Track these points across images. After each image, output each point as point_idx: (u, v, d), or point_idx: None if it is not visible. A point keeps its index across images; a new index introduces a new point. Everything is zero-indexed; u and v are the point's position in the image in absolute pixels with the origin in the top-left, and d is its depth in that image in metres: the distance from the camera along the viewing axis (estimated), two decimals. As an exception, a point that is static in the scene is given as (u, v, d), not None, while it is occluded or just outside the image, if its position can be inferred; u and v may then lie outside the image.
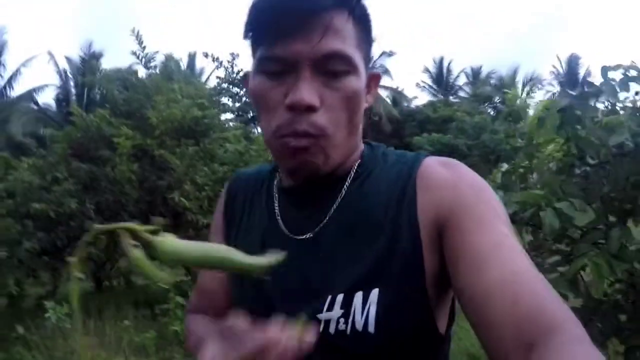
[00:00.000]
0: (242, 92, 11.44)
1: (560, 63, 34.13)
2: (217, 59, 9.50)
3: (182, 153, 6.98)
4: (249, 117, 12.73)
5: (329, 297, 0.78)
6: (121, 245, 0.55)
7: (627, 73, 2.38)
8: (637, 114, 2.40)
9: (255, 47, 0.82)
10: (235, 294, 0.95)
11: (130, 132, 7.13)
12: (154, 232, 0.58)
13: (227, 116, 10.78)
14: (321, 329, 0.78)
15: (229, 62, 9.86)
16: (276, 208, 0.92)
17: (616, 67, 2.36)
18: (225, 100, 11.15)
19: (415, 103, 33.26)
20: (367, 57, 0.84)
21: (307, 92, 0.75)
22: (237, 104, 12.74)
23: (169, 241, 0.56)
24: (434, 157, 0.85)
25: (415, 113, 29.71)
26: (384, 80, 32.44)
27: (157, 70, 8.49)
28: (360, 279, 0.77)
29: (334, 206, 0.85)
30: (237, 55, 9.94)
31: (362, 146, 0.92)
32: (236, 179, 1.06)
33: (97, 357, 3.88)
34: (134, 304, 7.12)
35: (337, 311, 0.77)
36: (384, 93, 32.09)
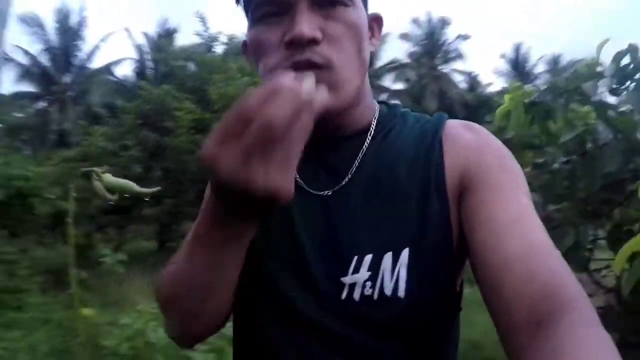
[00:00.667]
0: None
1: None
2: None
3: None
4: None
5: (355, 258, 0.73)
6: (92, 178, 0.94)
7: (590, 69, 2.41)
8: (603, 112, 2.37)
9: (247, 4, 0.77)
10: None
11: (191, 106, 7.74)
12: (104, 173, 1.02)
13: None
14: (344, 296, 0.72)
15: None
16: None
17: (580, 61, 2.43)
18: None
19: (491, 89, 32.57)
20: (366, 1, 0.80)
21: (307, 24, 0.69)
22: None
23: (107, 177, 1.00)
24: (456, 119, 0.83)
25: (489, 99, 29.21)
26: (459, 64, 32.01)
27: (221, 50, 9.03)
28: (390, 238, 0.73)
29: (357, 161, 0.79)
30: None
31: (376, 104, 0.87)
32: None
33: (138, 303, 4.39)
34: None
35: (363, 274, 0.72)
36: (459, 77, 31.70)
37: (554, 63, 33.74)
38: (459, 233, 0.73)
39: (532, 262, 0.61)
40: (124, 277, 5.83)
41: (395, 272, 0.71)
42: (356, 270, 0.72)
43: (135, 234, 10.64)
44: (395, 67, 30.83)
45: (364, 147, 0.80)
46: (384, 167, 0.78)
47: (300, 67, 0.69)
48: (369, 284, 0.71)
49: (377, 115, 0.84)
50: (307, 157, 0.80)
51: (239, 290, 0.78)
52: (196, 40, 9.76)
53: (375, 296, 0.71)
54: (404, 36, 30.89)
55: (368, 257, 0.72)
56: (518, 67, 34.39)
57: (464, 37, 31.60)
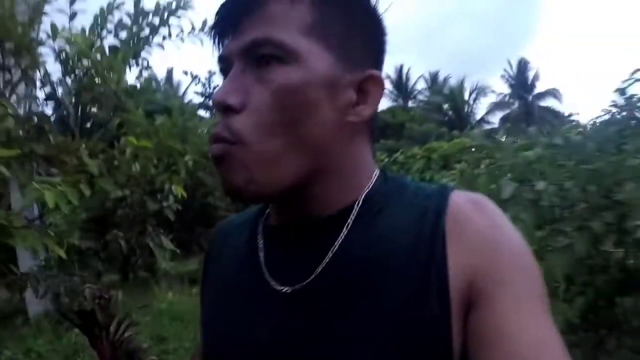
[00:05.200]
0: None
1: (511, 67, 37.49)
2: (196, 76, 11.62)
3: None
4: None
5: None
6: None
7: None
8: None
9: None
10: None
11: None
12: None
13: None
14: None
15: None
16: (260, 251, 0.71)
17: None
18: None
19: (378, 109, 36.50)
20: (348, 47, 0.63)
21: (225, 88, 0.60)
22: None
23: None
24: (461, 193, 0.67)
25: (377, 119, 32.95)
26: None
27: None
28: (364, 355, 0.59)
29: (332, 250, 0.64)
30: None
31: (371, 178, 0.69)
32: (220, 227, 0.86)
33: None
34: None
35: None
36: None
37: (432, 80, 38.60)
38: (462, 352, 0.59)
39: None
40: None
41: None
42: None
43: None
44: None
45: (343, 231, 0.65)
46: (368, 259, 0.63)
47: (213, 140, 0.62)
48: None
49: (367, 190, 0.68)
50: (278, 245, 0.70)
51: None
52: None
53: None
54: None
55: None
56: (401, 87, 38.90)
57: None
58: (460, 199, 0.65)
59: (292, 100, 0.60)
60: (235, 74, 0.62)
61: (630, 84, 2.49)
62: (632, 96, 2.45)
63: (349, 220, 0.66)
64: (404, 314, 0.59)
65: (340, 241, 0.65)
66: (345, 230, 0.65)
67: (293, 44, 0.60)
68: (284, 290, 0.65)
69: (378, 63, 0.67)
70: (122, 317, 3.42)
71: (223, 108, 0.60)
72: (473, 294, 0.59)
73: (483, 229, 0.62)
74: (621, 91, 2.47)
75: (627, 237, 1.95)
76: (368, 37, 0.66)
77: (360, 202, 0.67)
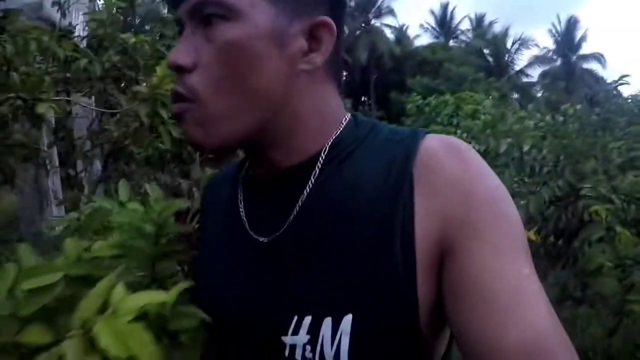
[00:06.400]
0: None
1: (560, 22, 36.98)
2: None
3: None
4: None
5: (295, 318, 0.63)
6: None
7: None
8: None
9: None
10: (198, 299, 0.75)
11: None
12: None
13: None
14: (287, 354, 0.64)
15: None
16: (240, 202, 0.75)
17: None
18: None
19: (418, 42, 36.43)
20: (294, 3, 0.64)
21: (177, 50, 0.63)
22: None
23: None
24: (435, 136, 0.65)
25: (416, 54, 33.19)
26: (389, 20, 35.66)
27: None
28: (330, 300, 0.62)
29: (301, 199, 0.67)
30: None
31: (341, 123, 0.70)
32: (212, 180, 0.90)
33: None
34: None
35: (302, 336, 0.63)
36: (387, 30, 35.33)
37: (477, 23, 38.14)
38: (434, 297, 0.60)
39: (534, 356, 0.51)
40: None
41: (336, 341, 0.60)
42: (295, 331, 0.63)
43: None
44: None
45: (311, 179, 0.67)
46: (334, 207, 0.65)
47: (173, 99, 0.65)
48: (308, 347, 0.62)
49: (334, 137, 0.69)
50: (254, 196, 0.73)
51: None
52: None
53: None
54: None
55: (307, 319, 0.62)
56: (444, 24, 38.48)
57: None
58: (433, 143, 0.64)
59: (237, 55, 0.61)
60: (187, 35, 0.64)
61: (619, 84, 3.37)
62: (616, 95, 3.34)
63: (315, 168, 0.67)
64: (366, 262, 0.60)
65: (307, 190, 0.66)
66: (312, 179, 0.66)
67: (233, 1, 0.61)
68: (261, 241, 0.69)
69: (331, 9, 0.66)
70: (196, 210, 4.38)
71: (176, 68, 0.63)
72: (445, 242, 0.59)
73: (456, 174, 0.60)
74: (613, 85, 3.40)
75: (579, 193, 2.88)
76: None
77: (327, 149, 0.67)
